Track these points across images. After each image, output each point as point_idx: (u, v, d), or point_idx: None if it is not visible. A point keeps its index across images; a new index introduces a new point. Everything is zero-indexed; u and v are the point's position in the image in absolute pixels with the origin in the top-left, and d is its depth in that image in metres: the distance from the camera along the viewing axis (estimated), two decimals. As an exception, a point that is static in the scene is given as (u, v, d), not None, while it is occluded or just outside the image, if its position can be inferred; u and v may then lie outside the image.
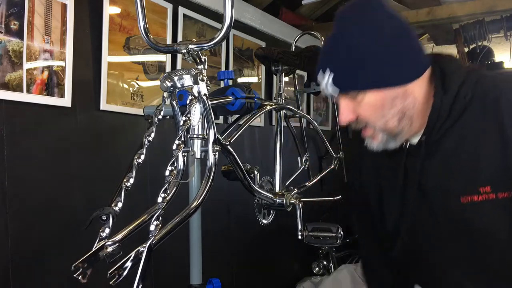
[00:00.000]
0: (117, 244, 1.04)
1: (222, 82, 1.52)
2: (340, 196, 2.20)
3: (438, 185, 1.09)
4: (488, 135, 1.03)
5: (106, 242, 1.03)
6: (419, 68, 1.06)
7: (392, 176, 1.18)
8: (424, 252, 1.19)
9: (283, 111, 1.95)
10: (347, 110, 1.07)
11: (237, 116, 1.61)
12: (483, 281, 1.10)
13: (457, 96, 1.05)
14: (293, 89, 2.50)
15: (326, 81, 1.06)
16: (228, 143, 1.39)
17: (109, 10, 1.85)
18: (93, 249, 1.01)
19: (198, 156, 1.22)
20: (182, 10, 2.22)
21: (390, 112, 1.05)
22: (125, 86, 1.94)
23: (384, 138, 1.09)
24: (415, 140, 1.13)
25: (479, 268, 1.10)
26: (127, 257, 0.95)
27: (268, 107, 1.76)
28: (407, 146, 1.15)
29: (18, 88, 1.53)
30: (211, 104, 1.20)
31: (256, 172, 1.67)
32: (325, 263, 3.25)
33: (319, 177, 2.16)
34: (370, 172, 1.28)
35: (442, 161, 1.09)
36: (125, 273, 0.93)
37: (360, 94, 1.04)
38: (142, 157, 1.17)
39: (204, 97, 1.17)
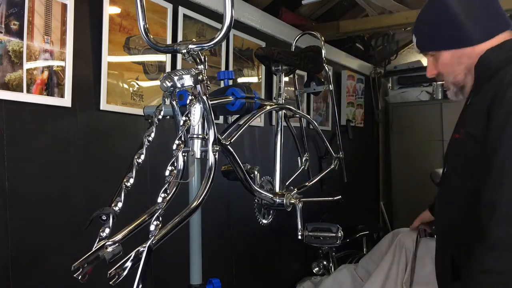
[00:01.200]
0: (117, 244, 1.04)
1: (222, 82, 1.52)
2: (340, 196, 2.20)
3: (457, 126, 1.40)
4: (487, 96, 1.25)
5: (106, 242, 1.03)
6: (492, 31, 1.31)
7: None
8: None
9: (283, 111, 1.95)
10: (430, 67, 1.42)
11: (237, 116, 1.61)
12: (443, 202, 1.44)
13: (500, 57, 1.28)
14: (293, 89, 2.49)
15: (414, 43, 1.43)
16: (228, 143, 1.39)
17: (109, 10, 1.85)
18: (93, 249, 1.01)
19: (198, 156, 1.22)
20: (182, 10, 2.22)
21: (458, 68, 1.35)
22: (125, 86, 1.94)
23: (454, 90, 1.40)
24: None
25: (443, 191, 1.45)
26: (127, 257, 0.95)
27: (268, 107, 1.76)
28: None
29: (18, 88, 1.53)
30: (211, 104, 1.20)
31: (256, 172, 1.67)
32: (325, 263, 3.26)
33: (319, 177, 2.15)
34: None
35: (464, 111, 1.38)
36: (125, 273, 0.93)
37: (437, 54, 1.38)
38: (142, 157, 1.17)
39: (204, 97, 1.17)
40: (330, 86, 2.32)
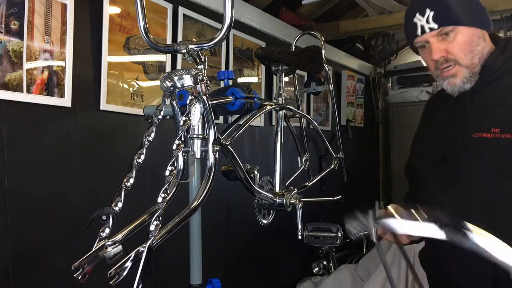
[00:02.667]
0: (117, 244, 1.04)
1: (222, 82, 1.52)
2: (340, 196, 2.20)
3: (459, 121, 1.33)
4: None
5: (106, 242, 1.03)
6: (490, 25, 1.34)
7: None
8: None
9: (283, 111, 1.95)
10: (439, 48, 1.30)
11: (237, 116, 1.61)
12: (456, 204, 1.29)
13: (508, 60, 1.29)
14: (293, 89, 2.49)
15: (425, 20, 1.29)
16: (228, 143, 1.39)
17: (109, 10, 1.85)
18: (93, 249, 1.01)
19: (198, 156, 1.22)
20: (182, 10, 2.22)
21: (476, 49, 1.29)
22: (125, 86, 1.94)
23: (467, 75, 1.30)
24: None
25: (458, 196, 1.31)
26: (127, 257, 0.95)
27: (268, 107, 1.76)
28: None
29: (18, 88, 1.53)
30: (211, 104, 1.20)
31: (256, 172, 1.67)
32: (325, 263, 3.26)
33: (319, 177, 2.15)
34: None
35: (474, 105, 1.32)
36: (125, 273, 0.93)
37: (454, 32, 1.28)
38: (142, 157, 1.17)
39: (204, 97, 1.17)
40: (330, 86, 2.32)
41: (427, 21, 1.28)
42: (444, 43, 1.29)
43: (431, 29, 1.28)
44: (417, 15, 1.30)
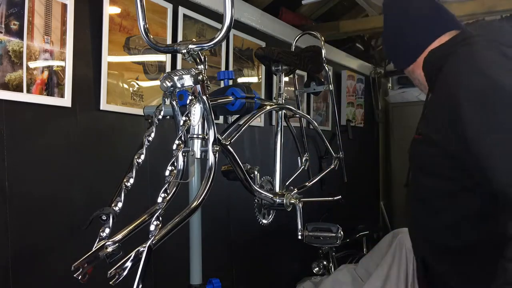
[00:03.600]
0: (117, 244, 1.04)
1: (222, 82, 1.52)
2: (340, 196, 2.20)
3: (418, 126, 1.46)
4: (440, 92, 1.32)
5: (106, 242, 1.03)
6: (432, 34, 1.40)
7: None
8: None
9: (283, 111, 1.95)
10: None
11: (237, 116, 1.61)
12: (412, 199, 1.47)
13: (441, 55, 1.35)
14: (293, 89, 2.49)
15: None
16: (228, 143, 1.39)
17: (109, 10, 1.85)
18: (93, 249, 1.01)
19: (198, 156, 1.22)
20: (182, 10, 2.22)
21: (414, 76, 1.50)
22: (125, 86, 1.94)
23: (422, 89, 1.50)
24: None
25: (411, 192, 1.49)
26: (127, 257, 0.95)
27: (268, 107, 1.76)
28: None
29: (18, 88, 1.53)
30: (211, 104, 1.20)
31: (256, 172, 1.67)
32: (325, 263, 3.25)
33: (319, 177, 2.15)
34: None
35: (424, 108, 1.45)
36: (125, 273, 0.93)
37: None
38: (142, 157, 1.17)
39: (204, 97, 1.17)
40: (330, 86, 2.31)
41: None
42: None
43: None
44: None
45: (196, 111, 1.17)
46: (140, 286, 0.93)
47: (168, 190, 1.07)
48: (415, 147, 1.43)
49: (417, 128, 1.43)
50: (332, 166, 2.31)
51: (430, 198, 1.35)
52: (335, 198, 2.20)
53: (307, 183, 2.04)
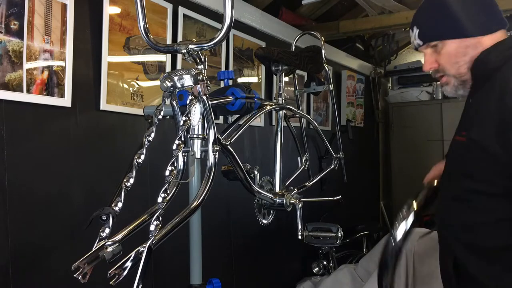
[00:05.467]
0: (117, 244, 1.04)
1: (222, 82, 1.52)
2: (340, 196, 2.20)
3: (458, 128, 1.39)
4: (491, 97, 1.23)
5: (106, 242, 1.03)
6: (491, 26, 1.31)
7: None
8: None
9: (283, 111, 1.95)
10: (430, 60, 1.37)
11: (237, 116, 1.61)
12: (447, 199, 1.40)
13: (499, 57, 1.26)
14: (293, 89, 2.50)
15: (413, 37, 1.38)
16: (228, 143, 1.39)
17: (109, 10, 1.85)
18: (93, 249, 1.01)
19: (198, 156, 1.22)
20: (182, 10, 2.22)
21: (463, 59, 1.31)
22: (125, 86, 1.94)
23: (456, 84, 1.35)
24: None
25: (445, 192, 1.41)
26: (127, 257, 0.95)
27: (268, 107, 1.76)
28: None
29: (18, 88, 1.53)
30: (211, 104, 1.20)
31: (256, 172, 1.67)
32: (325, 263, 3.25)
33: (319, 177, 2.16)
34: None
35: (466, 108, 1.37)
36: (125, 273, 0.94)
37: (441, 44, 1.32)
38: (142, 157, 1.17)
39: (204, 97, 1.17)
40: (330, 86, 2.32)
41: (415, 38, 1.38)
42: (435, 54, 1.36)
43: (419, 45, 1.38)
44: (410, 31, 1.41)
45: (196, 111, 1.17)
46: (140, 286, 0.93)
47: (168, 190, 1.07)
48: (457, 149, 1.36)
49: (458, 128, 1.37)
50: (332, 166, 2.31)
51: (470, 199, 1.30)
52: (335, 198, 2.20)
53: (307, 183, 2.04)
